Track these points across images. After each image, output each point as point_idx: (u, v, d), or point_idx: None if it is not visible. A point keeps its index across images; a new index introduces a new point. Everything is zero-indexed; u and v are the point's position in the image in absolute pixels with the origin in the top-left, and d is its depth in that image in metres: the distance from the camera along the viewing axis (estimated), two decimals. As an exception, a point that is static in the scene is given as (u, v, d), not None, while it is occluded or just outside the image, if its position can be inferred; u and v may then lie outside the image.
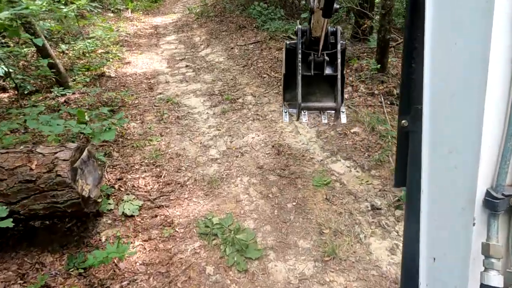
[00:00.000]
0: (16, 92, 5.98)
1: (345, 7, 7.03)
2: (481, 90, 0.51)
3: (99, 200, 3.11)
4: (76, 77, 6.44)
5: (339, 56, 1.12)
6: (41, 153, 2.79)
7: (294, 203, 3.42)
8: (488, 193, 0.54)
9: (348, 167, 3.86)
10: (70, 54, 7.96)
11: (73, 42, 8.20)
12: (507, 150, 0.53)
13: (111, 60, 7.87)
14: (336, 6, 0.80)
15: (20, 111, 4.66)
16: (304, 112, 1.16)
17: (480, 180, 0.54)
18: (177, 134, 4.84)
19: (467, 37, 0.54)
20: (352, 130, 4.45)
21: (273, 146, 4.28)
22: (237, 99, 5.76)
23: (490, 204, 0.54)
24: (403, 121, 0.69)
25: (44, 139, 4.22)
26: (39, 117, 3.46)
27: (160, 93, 6.29)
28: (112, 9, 13.37)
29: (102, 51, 8.48)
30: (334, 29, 1.13)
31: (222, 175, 3.87)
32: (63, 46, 7.91)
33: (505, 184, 0.54)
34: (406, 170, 0.72)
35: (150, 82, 6.84)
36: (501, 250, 0.54)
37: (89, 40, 7.90)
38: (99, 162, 3.42)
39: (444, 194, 0.60)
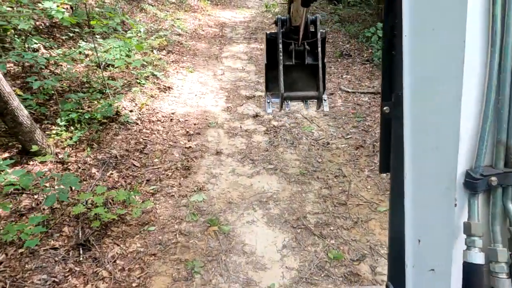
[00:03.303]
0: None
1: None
2: (459, 74, 0.51)
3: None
4: (54, 129, 3.39)
5: (319, 44, 1.09)
6: None
7: None
8: (468, 174, 0.53)
9: None
10: (91, 57, 5.05)
11: (101, 40, 5.24)
12: (484, 131, 0.52)
13: (142, 82, 4.85)
14: None
15: None
16: (287, 102, 1.14)
17: (460, 162, 0.53)
18: None
19: (444, 22, 0.53)
20: None
21: None
22: (360, 260, 2.46)
23: (470, 184, 0.53)
24: (384, 108, 0.67)
25: None
26: None
27: (201, 188, 3.13)
28: (176, -8, 10.43)
29: (139, 58, 5.49)
30: (314, 18, 1.09)
31: None
32: (83, 45, 4.97)
33: (483, 165, 0.53)
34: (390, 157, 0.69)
35: (189, 148, 3.71)
36: (481, 229, 0.53)
37: (117, 44, 4.87)
38: None
39: (426, 177, 0.59)
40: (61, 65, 4.72)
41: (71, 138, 3.26)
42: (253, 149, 3.77)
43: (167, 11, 8.98)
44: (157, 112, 4.30)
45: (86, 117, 3.47)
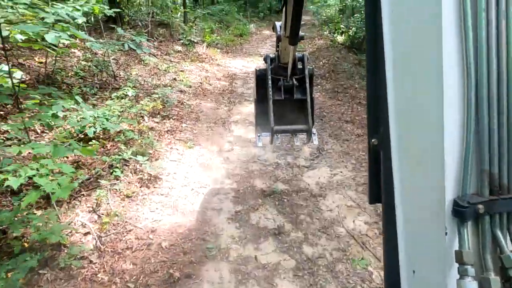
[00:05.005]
0: None
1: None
2: (439, 106, 0.52)
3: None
4: None
5: (307, 80, 1.16)
6: None
7: None
8: (455, 203, 0.53)
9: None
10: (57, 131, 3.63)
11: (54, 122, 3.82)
12: (467, 161, 0.52)
13: (117, 171, 3.40)
14: (301, 34, 0.83)
15: None
16: (277, 135, 1.19)
17: (447, 190, 0.53)
18: None
19: (422, 58, 0.54)
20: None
21: None
22: None
23: (459, 213, 0.53)
24: (372, 140, 0.69)
25: None
26: None
27: None
28: (182, 40, 9.41)
29: (117, 133, 4.10)
30: (301, 56, 1.17)
31: None
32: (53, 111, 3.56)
33: (470, 193, 0.54)
34: (378, 187, 0.70)
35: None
36: (473, 257, 0.52)
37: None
38: None
39: (416, 207, 0.59)
40: None
41: None
42: (278, 319, 2.17)
43: (171, 60, 7.83)
44: (130, 230, 2.78)
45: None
